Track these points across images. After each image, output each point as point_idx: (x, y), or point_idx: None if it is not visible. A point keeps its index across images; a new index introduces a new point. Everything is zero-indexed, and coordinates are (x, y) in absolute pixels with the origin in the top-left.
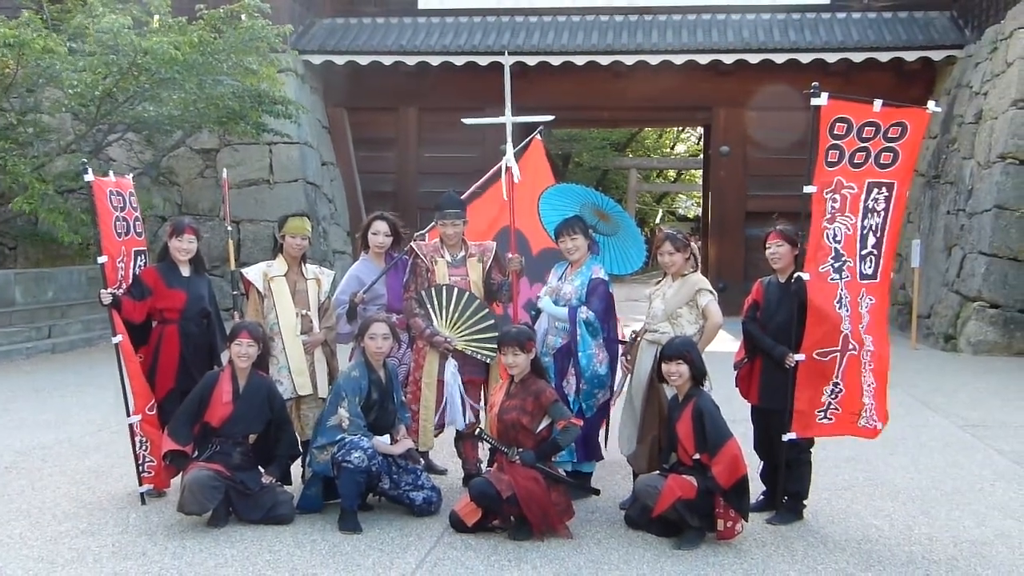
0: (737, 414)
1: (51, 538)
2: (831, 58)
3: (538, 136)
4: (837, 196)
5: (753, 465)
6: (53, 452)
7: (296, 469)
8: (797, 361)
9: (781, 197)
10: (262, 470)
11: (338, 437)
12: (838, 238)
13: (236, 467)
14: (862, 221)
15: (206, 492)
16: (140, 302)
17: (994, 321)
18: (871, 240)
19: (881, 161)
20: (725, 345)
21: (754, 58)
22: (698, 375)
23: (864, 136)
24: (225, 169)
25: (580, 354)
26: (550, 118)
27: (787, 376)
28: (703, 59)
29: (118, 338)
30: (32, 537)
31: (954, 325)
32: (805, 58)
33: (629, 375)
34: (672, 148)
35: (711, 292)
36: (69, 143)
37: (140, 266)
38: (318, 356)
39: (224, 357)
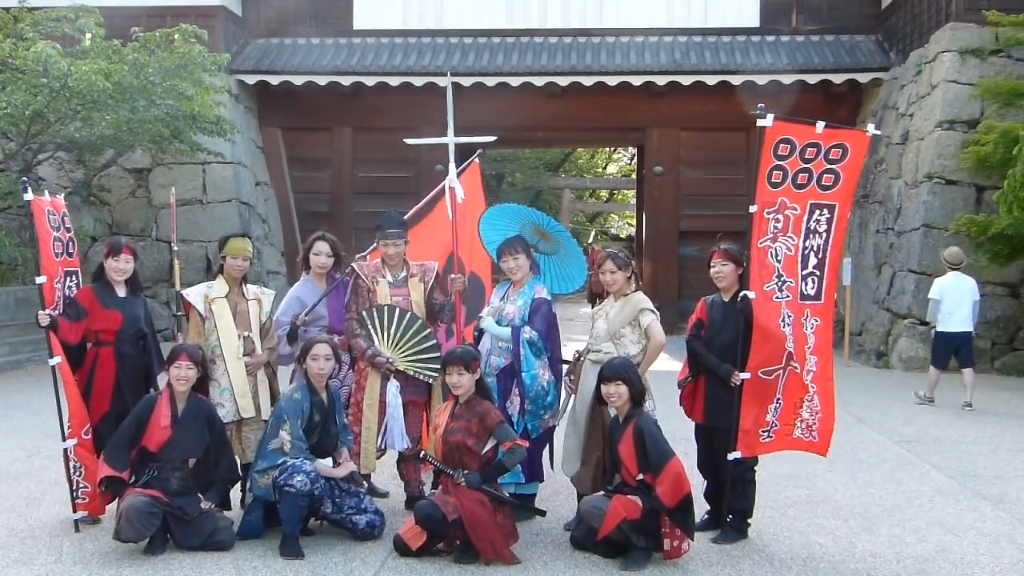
0: (678, 432)
1: None
2: (761, 80)
3: (476, 160)
4: (780, 216)
5: (697, 484)
6: None
7: (236, 494)
8: (743, 380)
9: (714, 216)
10: (201, 496)
11: (280, 460)
12: (779, 258)
13: (174, 493)
14: (803, 242)
15: (143, 519)
16: (76, 323)
17: (924, 338)
18: (812, 261)
19: (823, 183)
20: (665, 363)
21: (686, 80)
22: (637, 396)
23: (807, 157)
24: (173, 190)
25: (524, 374)
26: (492, 138)
27: (732, 395)
28: (636, 80)
29: (56, 359)
30: None
31: (885, 342)
32: (736, 80)
33: (573, 395)
34: (604, 168)
35: (653, 312)
36: None
37: (71, 287)
38: (260, 378)
39: (161, 380)
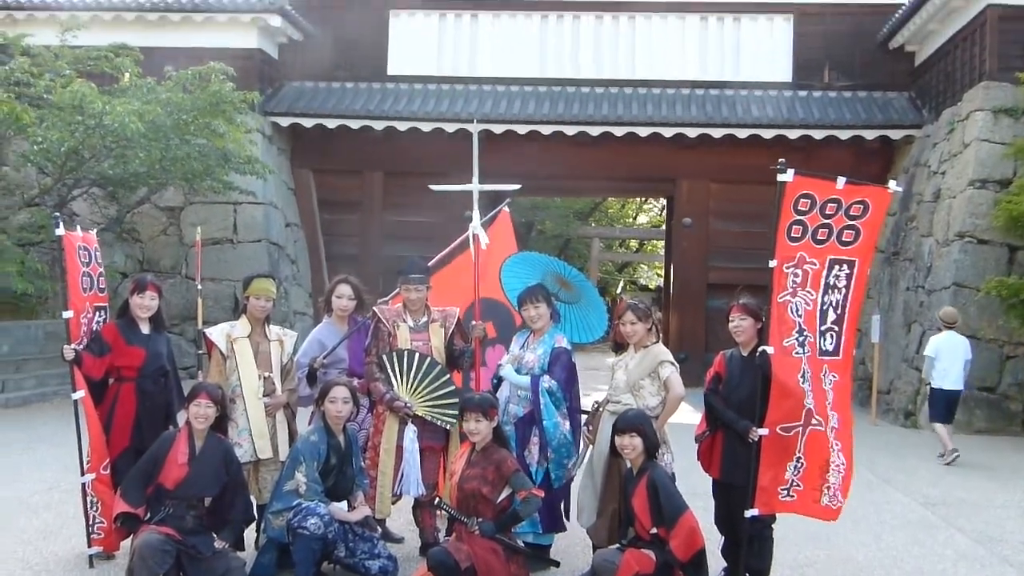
0: (698, 487)
1: None
2: (792, 134)
3: (506, 208)
4: (799, 271)
5: (713, 539)
6: (1, 511)
7: (250, 535)
8: (761, 436)
9: (743, 269)
10: (215, 535)
11: (295, 502)
12: (799, 312)
13: (189, 531)
14: (822, 297)
15: (156, 557)
16: (99, 358)
17: None
18: (831, 316)
19: (843, 238)
20: (686, 416)
21: (717, 132)
22: (651, 448)
23: (827, 212)
24: (199, 228)
25: (546, 422)
26: (517, 187)
27: (750, 450)
28: (667, 132)
29: (79, 394)
30: None
31: (914, 402)
32: (767, 134)
33: (591, 446)
34: (635, 218)
35: (673, 364)
36: (33, 196)
37: (100, 322)
38: (279, 419)
39: (181, 417)
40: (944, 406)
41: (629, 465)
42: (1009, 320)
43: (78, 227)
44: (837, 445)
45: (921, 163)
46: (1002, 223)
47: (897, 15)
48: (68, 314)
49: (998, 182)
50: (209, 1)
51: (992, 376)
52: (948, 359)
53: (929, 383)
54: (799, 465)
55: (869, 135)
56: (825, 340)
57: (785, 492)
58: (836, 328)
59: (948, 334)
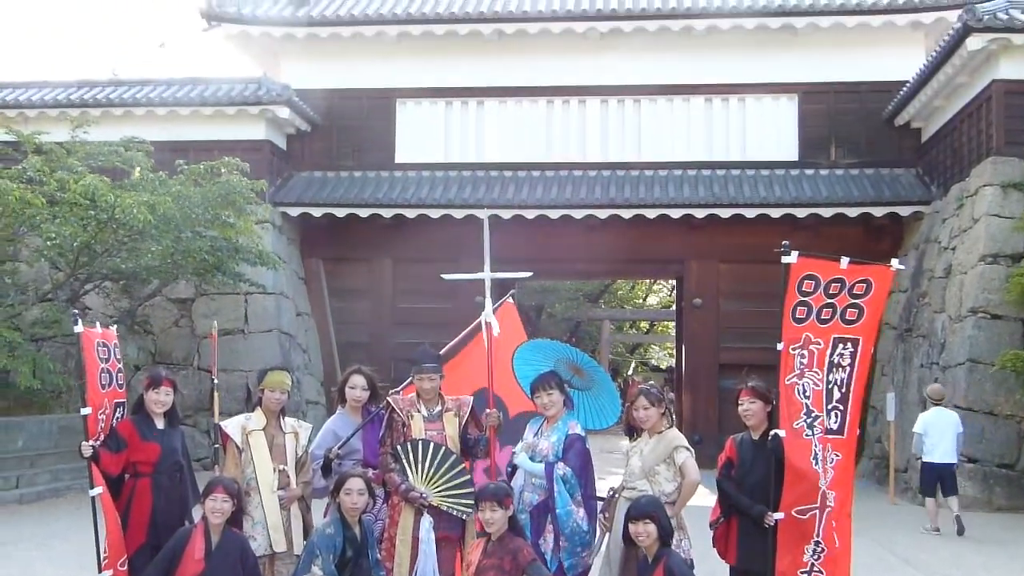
0: (716, 572)
1: None
2: (801, 213)
3: (510, 300)
4: (805, 352)
5: None
6: None
7: None
8: (776, 520)
9: (755, 349)
10: None
11: None
12: (807, 394)
13: None
14: (827, 376)
15: None
16: (116, 454)
17: (972, 476)
18: (836, 395)
19: (847, 317)
20: (702, 499)
21: (725, 213)
22: (666, 535)
23: (831, 292)
24: (215, 322)
25: (559, 510)
26: (529, 274)
27: (766, 535)
28: (675, 213)
29: (97, 490)
30: None
31: None
32: (775, 213)
33: (607, 533)
34: (644, 299)
35: (688, 449)
36: (46, 292)
37: (119, 418)
38: (294, 511)
39: (196, 512)
40: (933, 479)
41: (644, 553)
42: None
43: (97, 324)
44: (834, 523)
45: (931, 239)
46: (1015, 297)
47: (902, 92)
48: (86, 411)
49: (1010, 256)
50: (218, 95)
51: (1011, 452)
52: (937, 434)
53: (919, 458)
54: (819, 549)
55: (878, 212)
56: (830, 419)
57: (806, 575)
58: (841, 407)
59: (936, 410)
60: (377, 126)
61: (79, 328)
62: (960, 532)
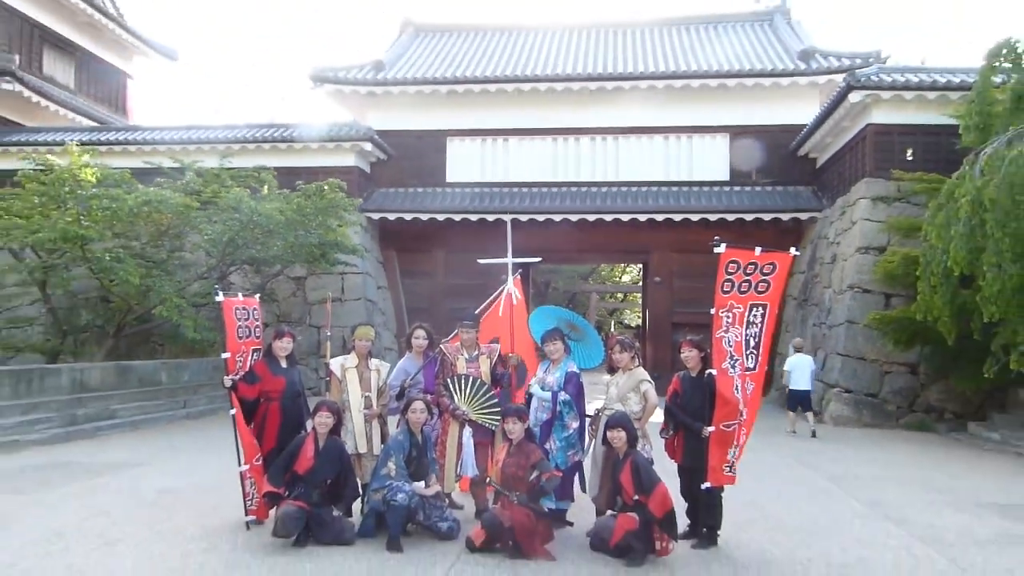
0: (667, 468)
1: (182, 554)
2: (730, 217)
3: (518, 275)
4: (730, 314)
5: (680, 506)
6: (185, 491)
7: (357, 506)
8: (710, 432)
9: (697, 313)
10: (333, 506)
11: (387, 483)
12: (731, 343)
13: (315, 504)
14: (745, 331)
15: (292, 522)
16: (252, 386)
17: (847, 402)
18: (751, 343)
19: (759, 289)
20: (660, 417)
21: (677, 216)
22: (632, 439)
23: (747, 272)
24: (329, 293)
25: (558, 424)
26: (539, 260)
27: (703, 443)
28: (642, 217)
29: (233, 411)
30: (168, 553)
31: (820, 405)
32: (712, 217)
33: (593, 440)
34: (620, 277)
35: (650, 381)
36: (202, 273)
37: (255, 358)
38: (374, 425)
39: (309, 425)
40: (795, 401)
41: (617, 452)
42: (885, 345)
43: (239, 294)
44: (744, 430)
45: (822, 236)
46: (880, 277)
47: (803, 132)
48: (226, 355)
49: (876, 249)
50: (322, 135)
51: (875, 385)
52: (798, 372)
53: (787, 386)
54: (735, 449)
55: (785, 217)
56: (749, 360)
57: (728, 468)
58: (755, 352)
59: (798, 355)
60: (433, 156)
61: (219, 298)
62: (813, 435)
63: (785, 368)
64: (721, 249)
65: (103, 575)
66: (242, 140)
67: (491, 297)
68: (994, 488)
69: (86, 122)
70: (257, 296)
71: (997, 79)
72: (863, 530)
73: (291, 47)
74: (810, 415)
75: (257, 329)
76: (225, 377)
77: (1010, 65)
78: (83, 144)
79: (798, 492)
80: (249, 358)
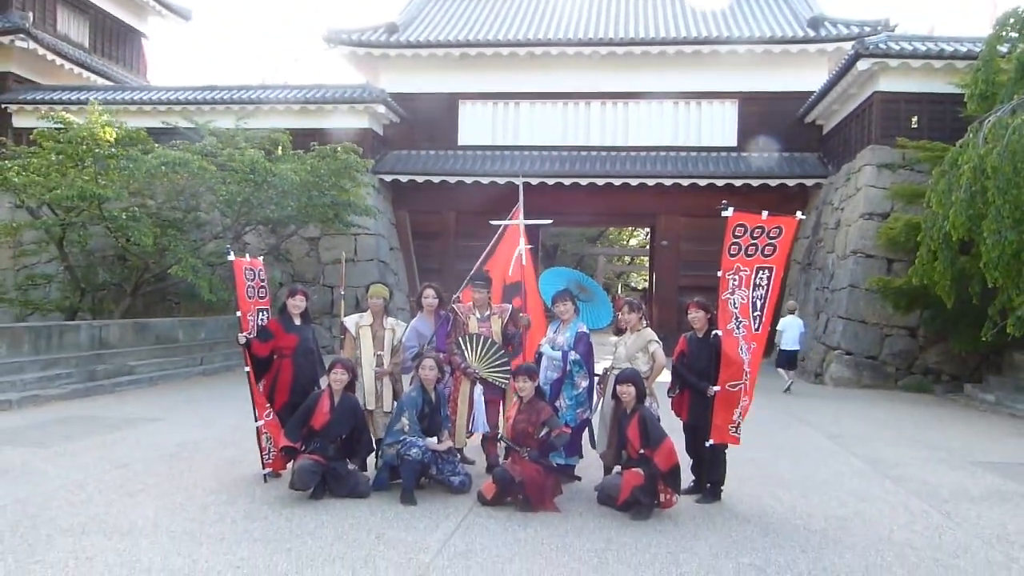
0: (674, 426)
1: (201, 506)
2: (737, 183)
3: (518, 221)
4: (736, 277)
5: (685, 462)
6: (203, 445)
7: (372, 460)
8: (715, 391)
9: (703, 275)
10: (348, 460)
11: (401, 438)
12: (737, 305)
13: (330, 458)
14: (752, 293)
15: (308, 475)
16: (265, 343)
17: (848, 364)
18: (757, 306)
19: (765, 252)
20: (667, 377)
21: (685, 182)
22: (641, 395)
23: (755, 235)
24: (343, 253)
25: (567, 382)
26: (549, 221)
27: (708, 402)
28: (650, 182)
29: (247, 368)
30: (188, 504)
31: (821, 366)
32: (719, 182)
33: (601, 398)
34: (628, 241)
35: (657, 342)
36: (217, 232)
37: (262, 319)
38: (386, 382)
39: (323, 381)
40: (784, 360)
41: (625, 407)
42: (886, 308)
43: (247, 255)
44: (747, 392)
45: (827, 202)
46: (883, 243)
47: (810, 99)
48: (239, 314)
49: (880, 215)
50: (335, 96)
51: (875, 348)
52: (789, 332)
53: (779, 346)
54: (740, 408)
55: (791, 183)
56: (754, 323)
57: (733, 428)
58: (760, 314)
59: (790, 317)
60: (445, 119)
61: (231, 257)
62: (787, 390)
63: (778, 328)
64: (729, 213)
65: (125, 525)
66: (257, 101)
67: (489, 246)
68: (988, 447)
69: (101, 81)
70: (261, 258)
71: (1003, 48)
72: (861, 486)
73: (305, 8)
74: (792, 373)
75: (262, 290)
76: (239, 335)
77: (1016, 35)
78: (99, 103)
79: (798, 449)
80: (258, 317)
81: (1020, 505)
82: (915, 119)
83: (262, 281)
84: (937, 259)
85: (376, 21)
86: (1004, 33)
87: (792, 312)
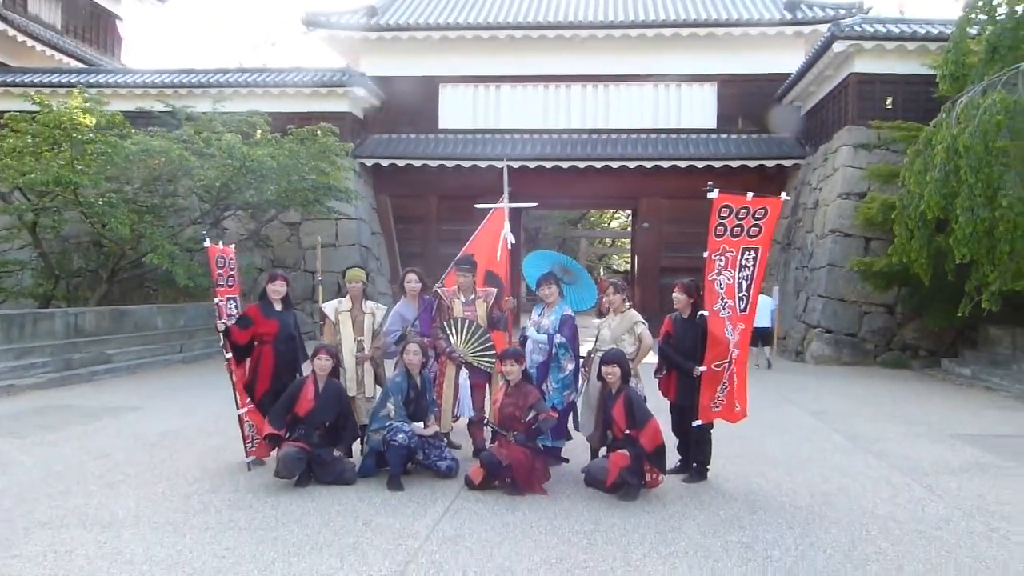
0: (660, 406)
1: (184, 495)
2: (717, 164)
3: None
4: (722, 258)
5: (671, 442)
6: (185, 434)
7: (357, 446)
8: (701, 371)
9: (684, 257)
10: (333, 447)
11: (387, 423)
12: (723, 286)
13: (315, 445)
14: (738, 274)
15: (294, 462)
16: (244, 330)
17: (828, 342)
18: (744, 286)
19: (750, 233)
20: (651, 359)
21: (666, 164)
22: (626, 375)
23: (740, 216)
24: (319, 238)
25: (553, 365)
26: (533, 204)
27: (694, 382)
28: (632, 164)
29: (228, 355)
30: (171, 494)
31: (801, 344)
32: (699, 164)
33: (586, 381)
34: (609, 223)
35: (643, 323)
36: (196, 218)
37: (232, 307)
38: (367, 367)
39: (305, 368)
40: (755, 337)
41: (611, 388)
42: (864, 287)
43: (220, 242)
44: (736, 371)
45: (805, 182)
46: (860, 222)
47: (788, 81)
48: (217, 300)
49: (858, 195)
50: (315, 80)
51: (854, 326)
52: (760, 310)
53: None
54: (724, 388)
55: (769, 164)
56: (740, 304)
57: (715, 405)
58: (746, 295)
59: (761, 295)
60: (426, 102)
61: (207, 244)
62: (768, 367)
63: None
64: (714, 194)
65: (106, 516)
66: (234, 84)
67: (475, 232)
68: (966, 420)
69: (75, 64)
70: (233, 246)
71: (972, 30)
72: (844, 461)
73: None
74: (768, 349)
75: (231, 278)
76: (218, 322)
77: (985, 17)
78: (72, 86)
79: (783, 427)
80: (227, 306)
81: (998, 476)
82: (890, 100)
83: (231, 270)
84: (913, 238)
85: (356, 4)
86: (973, 16)
87: (760, 291)
